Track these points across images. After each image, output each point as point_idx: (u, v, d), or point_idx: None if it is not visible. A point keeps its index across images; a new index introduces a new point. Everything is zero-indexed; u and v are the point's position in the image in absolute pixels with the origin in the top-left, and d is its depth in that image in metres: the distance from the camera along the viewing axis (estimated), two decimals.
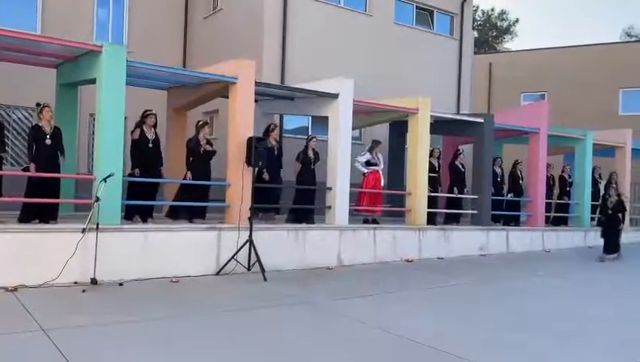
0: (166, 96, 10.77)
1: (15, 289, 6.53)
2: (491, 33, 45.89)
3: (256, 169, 8.80)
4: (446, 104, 15.87)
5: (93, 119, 8.96)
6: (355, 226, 10.36)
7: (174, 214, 9.21)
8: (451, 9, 17.54)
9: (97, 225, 6.95)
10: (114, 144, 7.72)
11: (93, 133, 9.01)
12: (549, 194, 14.48)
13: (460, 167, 12.70)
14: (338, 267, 9.63)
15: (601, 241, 12.49)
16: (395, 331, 5.53)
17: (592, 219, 14.76)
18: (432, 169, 11.85)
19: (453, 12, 17.61)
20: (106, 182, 7.07)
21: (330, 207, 10.15)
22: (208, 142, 9.21)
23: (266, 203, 9.67)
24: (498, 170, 13.41)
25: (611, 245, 12.15)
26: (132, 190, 8.54)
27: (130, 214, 8.54)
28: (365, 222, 11.00)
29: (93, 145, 9.49)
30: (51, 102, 8.45)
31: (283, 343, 5.12)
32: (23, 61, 8.91)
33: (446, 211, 12.64)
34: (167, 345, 4.88)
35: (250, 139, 8.50)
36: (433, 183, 11.92)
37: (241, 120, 8.89)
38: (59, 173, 7.96)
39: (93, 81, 8.01)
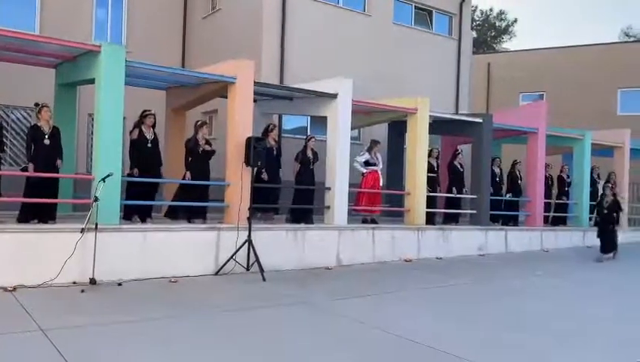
0: (165, 96, 10.75)
1: (14, 289, 6.53)
2: (490, 33, 45.95)
3: (255, 169, 8.80)
4: (445, 104, 15.88)
5: (92, 119, 8.97)
6: (354, 226, 10.36)
7: (173, 214, 9.22)
8: (450, 9, 17.55)
9: (96, 225, 6.95)
10: (113, 144, 7.71)
11: (92, 133, 9.00)
12: (547, 194, 14.50)
13: (459, 166, 12.71)
14: (337, 267, 9.64)
15: (599, 241, 12.49)
16: (393, 331, 5.54)
17: (590, 218, 14.77)
18: (430, 169, 11.86)
19: (452, 12, 17.62)
20: (104, 182, 7.07)
21: (329, 207, 10.15)
22: (207, 142, 9.21)
23: (264, 203, 9.67)
24: (497, 170, 13.42)
25: (608, 245, 12.15)
26: (131, 190, 8.55)
27: (129, 214, 8.54)
28: (364, 222, 11.01)
29: (92, 145, 9.48)
30: (50, 102, 8.45)
31: (282, 343, 5.12)
32: (21, 61, 8.90)
33: (445, 211, 12.65)
34: (165, 345, 4.88)
35: (249, 139, 8.50)
36: (432, 183, 11.93)
37: (240, 120, 8.88)
38: (57, 173, 7.96)
39: (92, 81, 8.01)
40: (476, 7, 43.66)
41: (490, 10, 46.42)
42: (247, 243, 8.18)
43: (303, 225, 9.78)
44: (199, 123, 9.24)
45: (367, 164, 11.25)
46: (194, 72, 10.04)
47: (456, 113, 15.66)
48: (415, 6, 16.78)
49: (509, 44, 44.89)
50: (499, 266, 10.91)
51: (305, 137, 11.00)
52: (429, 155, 11.88)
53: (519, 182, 13.90)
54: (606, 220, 12.22)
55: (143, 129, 8.69)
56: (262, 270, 8.01)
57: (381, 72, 14.98)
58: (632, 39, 42.13)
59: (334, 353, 4.88)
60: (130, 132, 8.72)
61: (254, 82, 9.16)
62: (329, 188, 10.17)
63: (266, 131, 10.06)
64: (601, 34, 66.50)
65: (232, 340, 5.16)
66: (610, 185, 13.02)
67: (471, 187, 12.88)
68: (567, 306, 7.41)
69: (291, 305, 6.66)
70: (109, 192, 7.29)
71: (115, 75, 7.71)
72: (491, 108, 24.22)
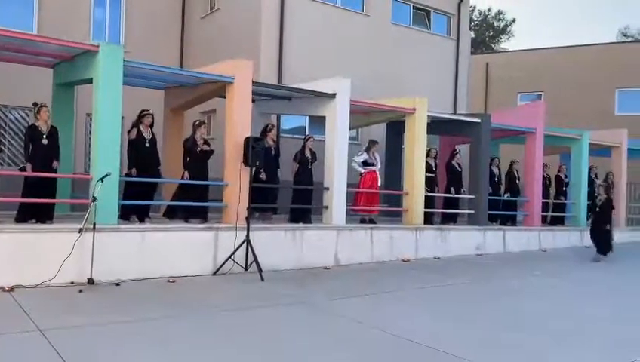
0: (163, 96, 10.75)
1: (12, 289, 6.52)
2: (488, 33, 45.99)
3: (254, 169, 8.81)
4: (443, 104, 15.90)
5: (90, 119, 8.94)
6: (352, 226, 10.37)
7: (172, 214, 9.21)
8: (448, 9, 17.56)
9: (94, 225, 6.94)
10: (111, 144, 7.70)
11: (90, 132, 8.99)
12: (545, 194, 14.52)
13: (457, 166, 12.72)
14: (335, 267, 9.64)
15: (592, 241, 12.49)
16: (392, 331, 5.54)
17: (588, 218, 14.79)
18: (428, 169, 11.87)
19: (450, 12, 17.63)
20: (102, 182, 7.06)
21: (327, 207, 10.15)
22: (205, 142, 9.21)
23: (263, 203, 9.67)
24: (495, 170, 13.43)
25: (603, 244, 12.12)
26: (129, 190, 8.54)
27: (128, 214, 8.53)
28: (362, 221, 11.01)
29: (89, 145, 9.47)
30: (48, 102, 8.43)
31: (280, 343, 5.12)
32: (19, 61, 8.88)
33: (443, 211, 12.66)
34: (164, 345, 4.88)
35: (247, 139, 8.49)
36: (430, 183, 11.94)
37: (238, 120, 8.88)
38: (55, 173, 7.95)
39: (90, 81, 7.99)
40: (474, 7, 43.78)
41: (489, 10, 46.53)
42: (245, 243, 8.18)
43: (301, 224, 9.79)
44: (197, 123, 9.24)
45: (365, 163, 11.26)
46: (192, 71, 10.04)
47: (455, 113, 15.67)
48: (413, 6, 16.79)
49: (507, 44, 44.98)
50: (497, 266, 10.92)
51: (303, 137, 11.00)
52: (427, 155, 11.89)
53: (517, 182, 13.93)
54: (600, 220, 12.19)
55: (141, 129, 8.68)
56: (260, 270, 8.01)
57: (379, 72, 14.98)
58: (629, 39, 42.22)
59: (333, 353, 4.89)
60: (128, 132, 8.71)
61: (253, 82, 9.16)
62: (327, 188, 10.18)
63: (265, 131, 10.06)
64: (599, 34, 66.71)
65: (231, 340, 5.16)
66: (603, 185, 12.99)
67: (469, 187, 12.90)
68: (564, 306, 7.42)
69: (290, 305, 6.66)
70: (107, 192, 7.28)
71: (113, 75, 7.70)
72: (489, 108, 24.26)
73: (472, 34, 26.65)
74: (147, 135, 8.71)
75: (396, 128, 13.25)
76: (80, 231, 6.99)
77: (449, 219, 12.58)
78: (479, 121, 12.64)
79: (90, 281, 6.82)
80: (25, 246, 6.90)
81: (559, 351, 5.21)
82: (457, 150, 13.00)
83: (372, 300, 7.19)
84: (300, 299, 6.99)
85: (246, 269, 8.19)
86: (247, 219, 8.28)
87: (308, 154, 10.40)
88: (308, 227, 9.76)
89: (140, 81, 9.71)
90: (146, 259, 7.70)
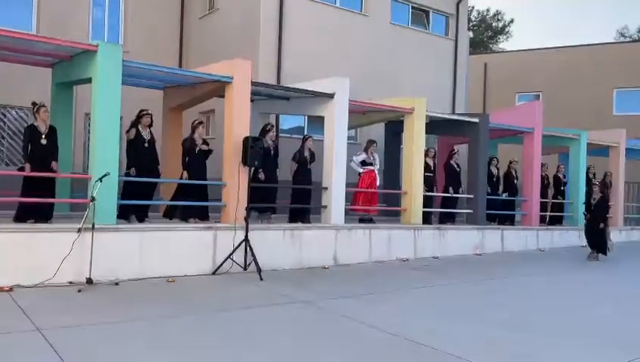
0: (162, 96, 10.76)
1: (10, 289, 6.52)
2: (486, 33, 46.04)
3: (252, 168, 8.81)
4: (441, 104, 15.93)
5: (89, 118, 8.94)
6: (351, 226, 10.38)
7: (170, 214, 9.21)
8: (447, 9, 17.60)
9: (93, 224, 6.94)
10: (110, 144, 7.70)
11: (89, 132, 8.99)
12: (543, 194, 14.55)
13: (455, 166, 12.75)
14: (334, 266, 9.65)
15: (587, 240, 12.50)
16: (391, 330, 5.56)
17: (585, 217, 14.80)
18: (427, 169, 11.89)
19: (449, 12, 17.67)
20: (101, 181, 7.07)
21: (325, 207, 10.17)
22: (204, 142, 9.21)
23: (262, 203, 9.68)
24: (494, 170, 13.46)
25: (599, 244, 12.12)
26: (128, 190, 8.54)
27: (127, 214, 8.53)
28: (361, 221, 11.03)
29: (88, 145, 9.47)
30: (47, 102, 8.43)
31: (279, 342, 5.13)
32: (18, 60, 8.87)
33: (441, 210, 12.68)
34: (162, 344, 4.88)
35: (246, 139, 8.49)
36: (429, 183, 11.96)
37: (237, 119, 8.88)
38: (54, 172, 7.95)
39: (88, 81, 8.00)
40: (473, 7, 43.82)
41: (487, 10, 46.62)
42: (244, 243, 8.19)
43: (300, 224, 9.80)
44: (196, 122, 9.24)
45: (364, 163, 11.27)
46: (191, 71, 10.04)
47: (453, 113, 15.69)
48: (412, 6, 16.82)
49: (505, 44, 45.04)
50: (495, 265, 10.94)
51: (302, 137, 11.01)
52: (426, 155, 11.91)
53: (515, 181, 13.95)
54: (595, 218, 12.20)
55: (140, 128, 8.68)
56: (259, 269, 8.02)
57: (378, 72, 15.00)
58: (627, 39, 42.29)
59: (332, 352, 4.90)
60: (127, 132, 8.71)
61: (251, 82, 9.17)
62: (326, 188, 10.19)
63: (264, 131, 10.06)
64: (597, 34, 66.79)
65: (229, 339, 5.17)
66: (598, 184, 12.98)
67: (467, 186, 12.92)
68: (563, 305, 7.44)
69: (288, 305, 6.67)
70: (106, 192, 7.28)
71: (112, 75, 7.70)
72: (488, 108, 24.31)
73: (471, 34, 26.62)
74: (146, 135, 8.70)
75: (395, 128, 13.27)
76: (79, 230, 7.00)
77: (447, 219, 12.59)
78: (477, 120, 12.66)
79: (89, 281, 6.83)
80: (24, 246, 6.89)
81: (557, 351, 5.22)
82: (456, 150, 13.03)
83: (371, 299, 7.19)
84: (298, 299, 6.99)
85: (245, 269, 8.20)
86: (245, 218, 8.29)
87: (307, 153, 10.41)
88: (307, 227, 9.77)
89: (138, 81, 9.71)
90: (144, 259, 7.71)
